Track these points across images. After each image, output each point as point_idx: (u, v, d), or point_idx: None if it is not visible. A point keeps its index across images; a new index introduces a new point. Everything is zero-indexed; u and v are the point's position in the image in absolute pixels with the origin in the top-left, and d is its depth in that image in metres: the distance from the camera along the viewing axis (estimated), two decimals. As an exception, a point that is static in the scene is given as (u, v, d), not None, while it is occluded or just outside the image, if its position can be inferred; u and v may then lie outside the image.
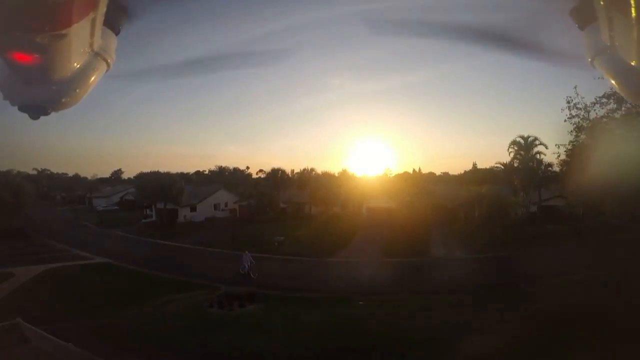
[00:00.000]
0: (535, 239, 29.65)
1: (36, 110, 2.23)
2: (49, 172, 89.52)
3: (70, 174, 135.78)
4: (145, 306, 16.92)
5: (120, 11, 2.34)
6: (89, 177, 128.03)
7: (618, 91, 2.50)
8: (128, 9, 2.37)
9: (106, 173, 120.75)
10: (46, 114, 2.29)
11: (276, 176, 40.77)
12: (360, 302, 18.25)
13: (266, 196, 32.37)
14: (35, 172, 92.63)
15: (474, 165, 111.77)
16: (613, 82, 2.35)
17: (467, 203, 43.08)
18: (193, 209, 45.45)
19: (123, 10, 2.36)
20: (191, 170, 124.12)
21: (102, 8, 1.98)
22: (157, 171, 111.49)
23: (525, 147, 39.44)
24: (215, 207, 49.18)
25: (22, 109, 2.16)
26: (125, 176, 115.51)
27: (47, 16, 1.67)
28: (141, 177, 48.71)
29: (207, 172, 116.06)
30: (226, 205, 50.13)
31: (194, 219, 44.71)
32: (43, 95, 2.18)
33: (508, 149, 39.59)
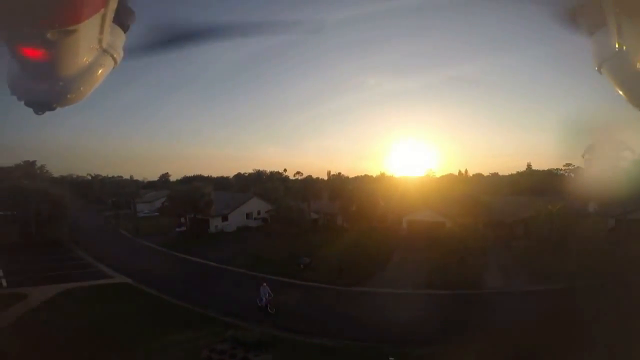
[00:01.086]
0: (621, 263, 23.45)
1: (41, 105, 2.29)
2: (101, 177, 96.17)
3: (126, 176, 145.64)
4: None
5: (129, 8, 2.41)
6: (141, 180, 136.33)
7: (625, 98, 2.31)
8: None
9: (156, 176, 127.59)
10: (51, 109, 2.35)
11: (307, 186, 37.79)
12: (391, 359, 14.49)
13: (294, 211, 29.51)
14: (89, 178, 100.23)
15: (529, 165, 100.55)
16: (620, 88, 2.28)
17: (531, 218, 36.74)
18: (225, 218, 44.19)
19: (132, 7, 2.42)
20: (233, 172, 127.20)
21: (113, 5, 2.01)
22: (194, 175, 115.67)
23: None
24: (248, 216, 47.61)
25: (28, 103, 2.25)
26: (173, 178, 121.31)
27: (58, 12, 1.67)
28: (172, 188, 48.59)
29: (247, 174, 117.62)
30: (258, 213, 48.38)
31: (226, 229, 43.40)
32: (50, 91, 2.24)
33: (584, 155, 32.55)
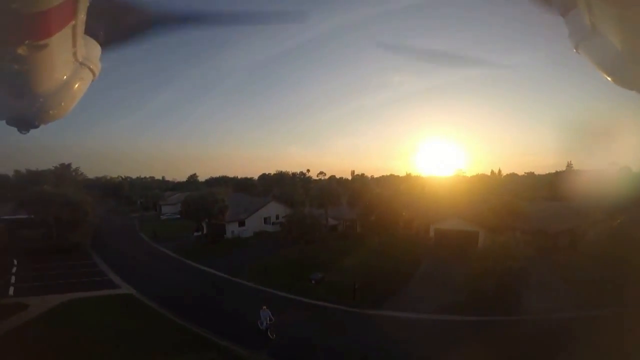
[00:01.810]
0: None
1: (24, 123, 2.24)
2: (130, 178, 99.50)
3: (158, 177, 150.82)
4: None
5: (101, 20, 2.39)
6: (171, 180, 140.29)
7: (604, 76, 2.33)
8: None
9: (184, 177, 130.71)
10: (34, 126, 2.31)
11: (325, 191, 35.30)
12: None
13: (307, 219, 27.23)
14: (120, 179, 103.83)
15: (569, 164, 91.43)
16: (599, 68, 2.29)
17: (578, 228, 32.12)
18: (241, 223, 42.83)
19: (104, 18, 2.41)
20: (259, 173, 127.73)
21: (82, 16, 1.99)
22: (219, 177, 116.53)
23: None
24: (266, 220, 46.04)
25: (10, 122, 2.19)
26: (201, 179, 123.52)
27: (26, 27, 1.64)
28: (191, 191, 47.98)
29: (271, 175, 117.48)
30: (277, 218, 46.68)
31: (242, 234, 42.03)
32: (30, 108, 2.18)
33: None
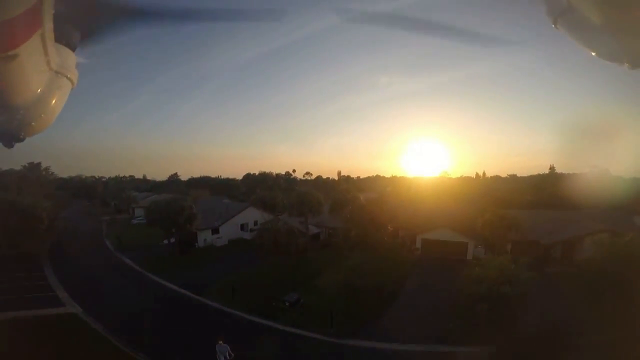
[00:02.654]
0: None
1: (7, 138, 2.23)
2: (105, 178, 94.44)
3: (139, 176, 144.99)
4: None
5: (70, 26, 2.38)
6: (152, 179, 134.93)
7: (585, 50, 2.36)
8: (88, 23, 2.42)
9: (165, 176, 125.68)
10: (20, 140, 2.30)
11: (305, 198, 32.35)
12: None
13: (283, 231, 24.51)
14: (93, 179, 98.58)
15: (552, 168, 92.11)
16: (578, 41, 2.30)
17: (575, 239, 30.52)
18: (215, 230, 39.75)
19: (74, 25, 2.38)
20: (244, 172, 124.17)
21: (48, 23, 1.95)
22: (200, 177, 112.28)
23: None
24: (243, 227, 43.11)
25: None
26: (184, 177, 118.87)
27: None
28: (152, 201, 44.29)
29: (256, 174, 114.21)
30: (255, 224, 43.77)
31: (216, 242, 38.99)
32: (11, 122, 2.15)
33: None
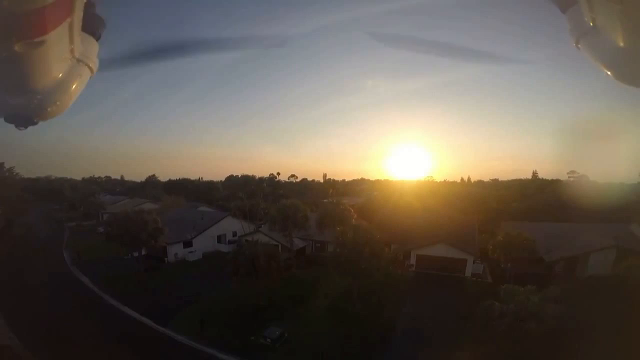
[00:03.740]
0: None
1: (22, 120, 2.20)
2: (73, 180, 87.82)
3: (116, 176, 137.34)
4: None
5: (98, 16, 2.37)
6: (130, 180, 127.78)
7: (605, 72, 2.26)
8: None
9: (143, 177, 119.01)
10: (33, 123, 2.27)
11: (286, 216, 28.58)
12: None
13: (259, 258, 20.94)
14: (62, 180, 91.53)
15: (534, 174, 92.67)
16: (599, 63, 2.24)
17: (582, 256, 28.43)
18: (188, 243, 35.68)
19: (100, 15, 2.38)
20: (227, 174, 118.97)
21: (79, 13, 1.97)
22: (179, 179, 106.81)
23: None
24: (220, 239, 39.17)
25: (8, 119, 2.16)
26: (163, 179, 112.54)
27: (23, 24, 1.63)
28: (112, 214, 39.62)
29: (238, 177, 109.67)
30: (234, 235, 39.95)
31: (189, 257, 34.91)
32: (28, 105, 2.16)
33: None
